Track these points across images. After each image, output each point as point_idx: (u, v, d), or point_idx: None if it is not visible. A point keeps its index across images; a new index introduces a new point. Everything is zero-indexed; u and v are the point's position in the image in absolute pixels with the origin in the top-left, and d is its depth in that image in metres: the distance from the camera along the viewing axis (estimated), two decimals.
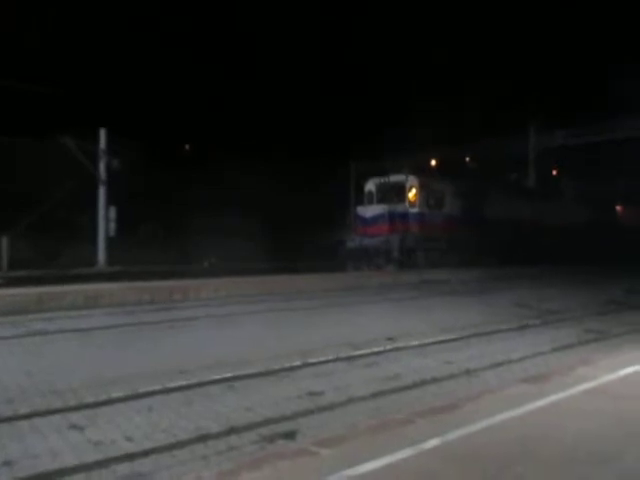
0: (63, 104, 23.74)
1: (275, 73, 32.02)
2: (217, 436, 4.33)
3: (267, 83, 31.58)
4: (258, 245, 24.21)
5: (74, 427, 4.51)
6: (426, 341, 8.04)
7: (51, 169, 21.46)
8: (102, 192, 21.61)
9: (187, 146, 32.50)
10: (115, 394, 5.28)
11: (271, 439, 4.30)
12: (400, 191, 21.65)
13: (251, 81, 31.44)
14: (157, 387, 5.50)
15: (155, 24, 29.30)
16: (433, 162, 32.68)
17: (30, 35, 25.86)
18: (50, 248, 21.16)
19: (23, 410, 4.86)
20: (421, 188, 21.57)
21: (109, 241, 21.55)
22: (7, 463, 3.82)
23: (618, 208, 36.39)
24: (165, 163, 26.21)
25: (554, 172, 37.99)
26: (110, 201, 21.64)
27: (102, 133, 21.59)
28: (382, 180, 22.36)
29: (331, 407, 5.08)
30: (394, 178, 22.02)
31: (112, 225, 21.48)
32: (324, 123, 32.02)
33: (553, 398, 4.63)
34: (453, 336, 8.51)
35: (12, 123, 22.02)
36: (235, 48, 31.82)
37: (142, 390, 5.40)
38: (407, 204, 21.39)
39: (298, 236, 26.66)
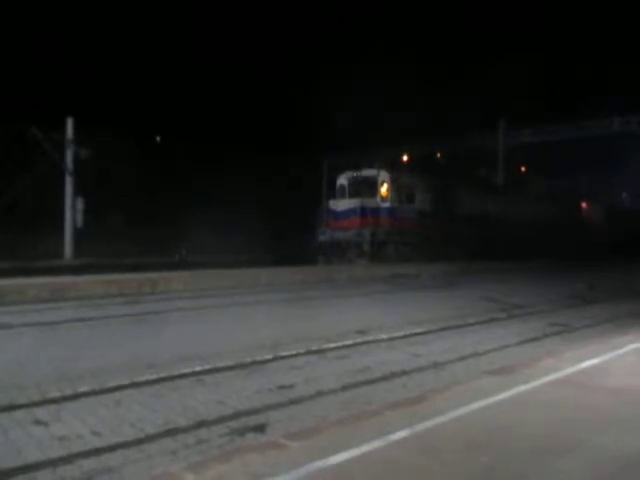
0: (33, 93, 23.07)
1: (247, 66, 31.76)
2: (186, 430, 4.29)
3: (239, 75, 31.31)
4: (233, 238, 24.05)
5: (38, 422, 4.41)
6: (396, 334, 8.11)
7: (18, 159, 20.89)
8: (69, 182, 21.17)
9: (158, 138, 31.95)
10: (81, 388, 5.18)
11: (241, 432, 4.28)
12: (372, 186, 21.78)
13: (222, 73, 31.12)
14: (125, 381, 5.41)
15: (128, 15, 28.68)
16: (405, 157, 32.92)
17: None
18: (16, 240, 20.63)
19: None
20: (393, 183, 21.74)
21: (77, 232, 21.13)
22: None
23: (583, 205, 37.28)
24: (135, 154, 25.76)
25: (522, 169, 38.70)
26: (78, 192, 21.20)
27: (69, 122, 21.12)
28: (354, 174, 22.46)
29: (301, 400, 5.09)
30: (366, 173, 22.14)
31: (79, 216, 21.07)
32: (298, 116, 31.93)
33: (519, 389, 4.73)
34: (422, 329, 8.60)
35: None
36: (207, 43, 31.37)
37: (110, 384, 5.31)
38: (379, 199, 21.54)
39: (277, 229, 26.57)
